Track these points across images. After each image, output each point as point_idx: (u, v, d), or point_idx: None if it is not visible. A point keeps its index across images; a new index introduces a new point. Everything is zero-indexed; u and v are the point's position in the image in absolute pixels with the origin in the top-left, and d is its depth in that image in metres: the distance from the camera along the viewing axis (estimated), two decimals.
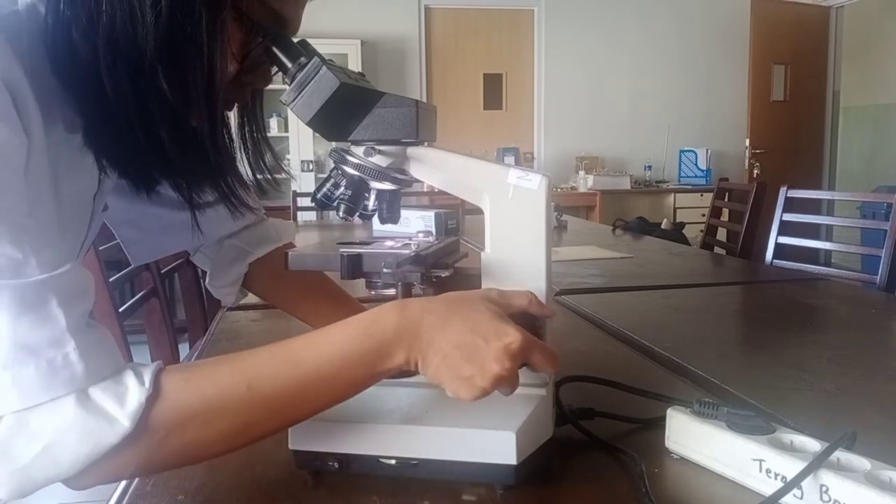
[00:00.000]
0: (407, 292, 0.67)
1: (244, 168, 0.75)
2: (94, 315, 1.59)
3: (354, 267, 0.65)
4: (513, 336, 0.57)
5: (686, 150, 5.94)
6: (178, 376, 0.53)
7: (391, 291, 0.68)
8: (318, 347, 0.57)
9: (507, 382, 0.58)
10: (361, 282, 0.70)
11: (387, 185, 0.67)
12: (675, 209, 5.58)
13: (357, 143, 0.66)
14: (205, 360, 0.58)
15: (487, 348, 0.56)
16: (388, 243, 0.71)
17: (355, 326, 0.58)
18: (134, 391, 0.50)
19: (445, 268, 0.64)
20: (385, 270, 0.63)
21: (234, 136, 0.74)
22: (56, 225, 0.63)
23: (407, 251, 0.66)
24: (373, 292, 1.41)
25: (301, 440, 0.64)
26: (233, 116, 0.73)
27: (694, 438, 0.67)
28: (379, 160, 0.66)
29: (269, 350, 0.57)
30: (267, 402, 0.55)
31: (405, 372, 0.58)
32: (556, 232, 2.66)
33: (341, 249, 0.67)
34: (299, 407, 0.57)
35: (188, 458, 0.55)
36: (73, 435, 0.48)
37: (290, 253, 0.70)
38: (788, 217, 2.26)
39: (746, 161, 5.65)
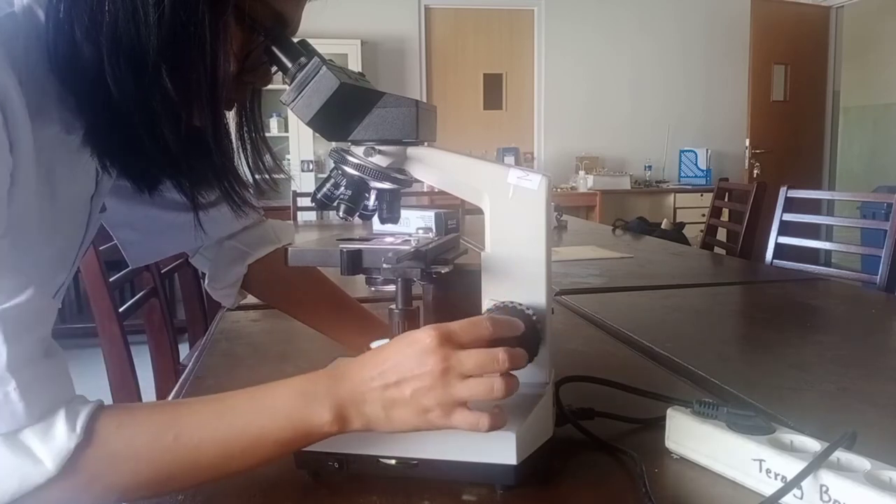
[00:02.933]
0: (407, 288, 0.67)
1: (243, 168, 0.75)
2: (95, 315, 1.59)
3: (354, 262, 0.65)
4: (422, 332, 0.55)
5: (686, 150, 5.94)
6: (111, 420, 0.54)
7: (391, 288, 0.68)
8: (249, 403, 0.57)
9: (456, 376, 0.54)
10: (362, 280, 0.70)
11: (387, 185, 0.67)
12: (675, 209, 5.58)
13: (357, 143, 0.66)
14: (142, 405, 0.59)
15: (408, 361, 0.55)
16: (388, 240, 0.71)
17: (289, 386, 0.58)
18: (63, 436, 0.51)
19: (445, 264, 0.64)
20: (385, 266, 0.63)
21: (233, 136, 0.74)
22: (44, 234, 0.63)
23: (407, 247, 0.66)
24: (373, 289, 1.41)
25: None
26: (231, 117, 0.73)
27: (694, 438, 0.67)
28: (379, 160, 0.66)
29: (203, 402, 0.57)
30: (193, 456, 0.55)
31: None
32: (556, 232, 2.66)
33: (341, 245, 0.67)
34: (225, 463, 0.56)
35: (115, 501, 0.56)
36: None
37: (289, 249, 0.70)
38: (788, 217, 2.26)
39: (746, 161, 5.64)
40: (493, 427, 0.56)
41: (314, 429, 0.57)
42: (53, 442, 0.51)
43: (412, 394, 0.55)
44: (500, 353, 0.56)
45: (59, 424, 0.51)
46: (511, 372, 0.57)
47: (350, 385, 0.57)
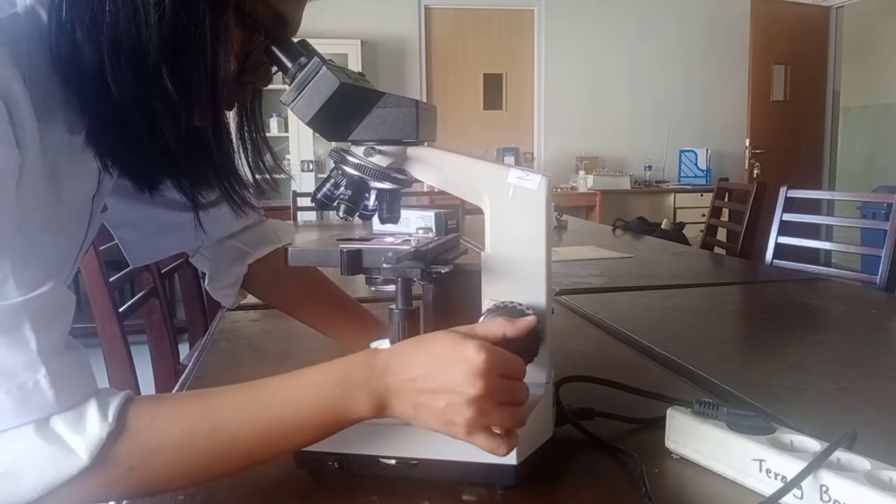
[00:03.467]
0: (407, 288, 0.67)
1: (243, 168, 0.75)
2: (95, 315, 1.59)
3: (354, 262, 0.65)
4: (475, 352, 0.55)
5: (686, 150, 5.94)
6: (143, 411, 0.54)
7: (391, 287, 0.68)
8: (287, 391, 0.57)
9: (491, 403, 0.55)
10: (362, 280, 0.70)
11: (387, 185, 0.67)
12: (675, 209, 5.58)
13: (357, 143, 0.66)
14: (173, 395, 0.59)
15: (452, 376, 0.55)
16: (388, 240, 0.71)
17: (325, 374, 0.58)
18: (95, 425, 0.51)
19: (445, 264, 0.64)
20: (385, 266, 0.63)
21: (234, 136, 0.74)
22: (49, 233, 0.63)
23: (407, 247, 0.66)
24: (373, 289, 1.42)
25: None
26: (232, 117, 0.73)
27: (694, 438, 0.67)
28: (379, 160, 0.66)
29: (237, 390, 0.57)
30: (231, 444, 0.55)
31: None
32: (556, 232, 2.66)
33: (341, 245, 0.67)
34: (264, 450, 0.57)
35: (150, 492, 0.56)
36: (32, 462, 0.49)
37: (289, 249, 0.70)
38: (788, 217, 2.26)
39: (746, 161, 5.64)
40: (510, 451, 0.57)
41: (353, 416, 0.58)
42: (85, 431, 0.50)
43: (445, 406, 0.55)
44: (526, 387, 0.58)
45: (91, 413, 0.51)
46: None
47: (393, 380, 0.57)
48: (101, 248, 1.53)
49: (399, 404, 0.57)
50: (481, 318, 0.65)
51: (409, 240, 0.71)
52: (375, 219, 0.71)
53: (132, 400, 0.54)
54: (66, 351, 0.53)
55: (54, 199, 0.63)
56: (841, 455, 0.58)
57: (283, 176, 0.86)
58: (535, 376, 0.66)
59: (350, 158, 0.66)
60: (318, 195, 0.69)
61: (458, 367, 0.55)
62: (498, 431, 0.57)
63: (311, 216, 3.63)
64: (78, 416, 0.51)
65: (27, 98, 0.55)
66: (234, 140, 0.74)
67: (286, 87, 0.65)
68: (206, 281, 0.99)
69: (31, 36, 0.58)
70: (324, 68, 0.63)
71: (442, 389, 0.55)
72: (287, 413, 0.56)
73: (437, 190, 1.17)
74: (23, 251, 0.53)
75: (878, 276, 1.93)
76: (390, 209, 0.70)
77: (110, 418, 0.51)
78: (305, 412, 0.57)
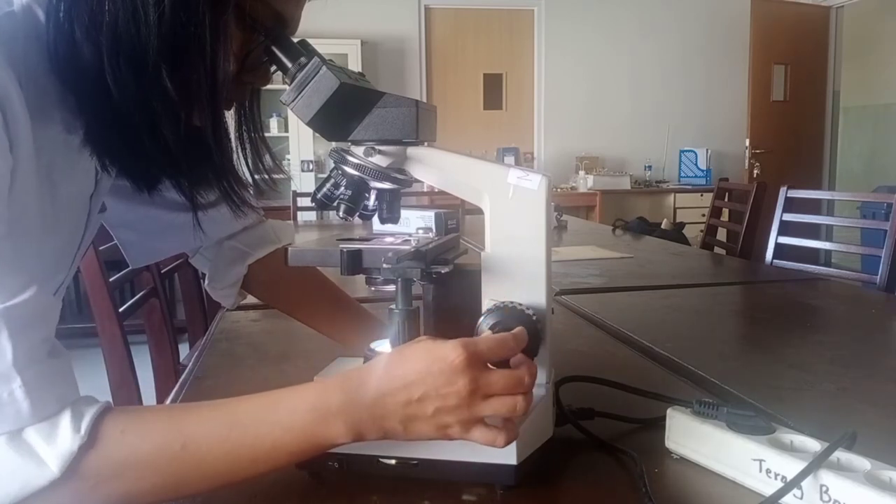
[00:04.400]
0: (407, 288, 0.67)
1: (243, 169, 0.75)
2: (95, 315, 1.58)
3: (354, 262, 0.65)
4: (451, 350, 0.54)
5: (686, 150, 5.94)
6: (116, 425, 0.53)
7: (391, 288, 0.68)
8: (261, 414, 0.56)
9: (479, 397, 0.54)
10: (362, 280, 0.70)
11: (387, 185, 0.67)
12: (675, 209, 5.58)
13: (357, 143, 0.66)
14: (149, 409, 0.59)
15: (434, 380, 0.54)
16: (388, 240, 0.71)
17: (301, 398, 0.57)
18: (67, 438, 0.50)
19: (445, 264, 0.64)
20: (385, 266, 0.63)
21: (232, 136, 0.74)
22: (44, 233, 0.63)
23: (407, 247, 0.66)
24: (373, 289, 1.42)
25: None
26: (230, 117, 0.73)
27: (694, 438, 0.67)
28: (379, 160, 0.66)
29: (210, 409, 0.57)
30: (200, 465, 0.55)
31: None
32: (556, 232, 2.66)
33: (341, 245, 0.67)
34: (234, 472, 0.56)
35: None
36: (3, 473, 0.49)
37: (289, 249, 0.70)
38: (788, 217, 2.26)
39: (746, 161, 5.64)
40: (509, 442, 0.56)
41: (329, 442, 0.56)
42: (57, 442, 0.50)
43: (435, 411, 0.54)
44: (526, 377, 0.56)
45: (64, 425, 0.51)
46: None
47: (369, 400, 0.55)
48: (101, 248, 1.53)
49: (387, 423, 0.55)
50: (481, 318, 0.65)
51: (409, 240, 0.71)
52: (375, 219, 0.71)
53: (108, 411, 0.54)
54: (46, 359, 0.53)
55: (49, 200, 0.63)
56: (841, 455, 0.58)
57: (282, 176, 0.86)
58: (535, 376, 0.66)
59: (350, 158, 0.66)
60: (318, 195, 0.69)
61: (437, 369, 0.54)
62: (496, 424, 0.56)
63: (311, 216, 3.63)
64: (51, 427, 0.50)
65: (21, 98, 0.55)
66: (233, 140, 0.74)
67: (286, 87, 0.65)
68: (206, 281, 0.99)
69: (28, 35, 0.58)
70: (324, 68, 0.63)
71: (426, 396, 0.54)
72: (261, 437, 0.55)
73: (437, 190, 1.17)
74: (7, 257, 0.52)
75: (878, 276, 1.93)
76: (390, 209, 0.70)
77: (83, 430, 0.51)
78: (281, 437, 0.56)
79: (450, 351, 0.54)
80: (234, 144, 0.74)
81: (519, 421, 0.58)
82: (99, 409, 0.53)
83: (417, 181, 0.71)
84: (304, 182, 4.96)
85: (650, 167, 5.86)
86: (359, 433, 0.56)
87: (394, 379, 0.55)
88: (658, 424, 0.71)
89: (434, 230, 0.77)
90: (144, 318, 1.85)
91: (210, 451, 0.54)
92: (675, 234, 3.42)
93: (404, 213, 1.42)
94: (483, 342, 0.57)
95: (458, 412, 0.54)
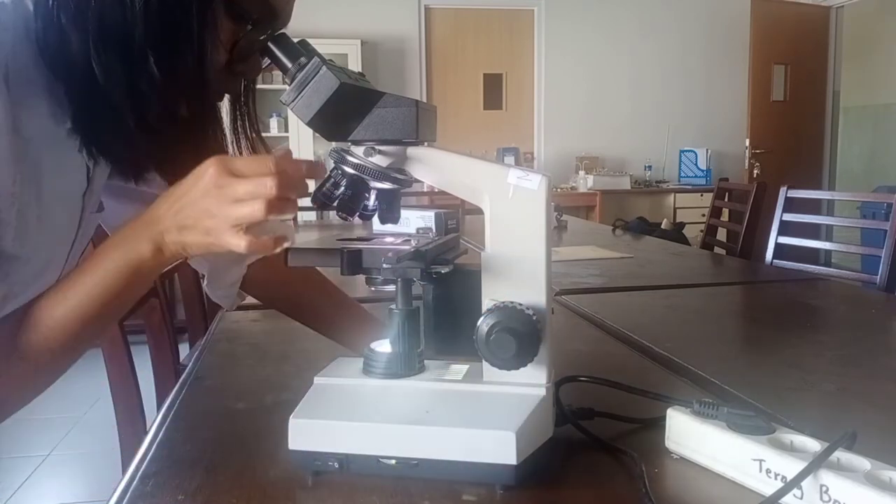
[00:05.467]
0: (407, 288, 0.67)
1: None
2: None
3: (354, 262, 0.65)
4: (205, 163, 0.59)
5: (686, 150, 5.94)
6: None
7: (391, 287, 0.68)
8: (83, 274, 0.62)
9: (227, 201, 0.58)
10: (362, 280, 0.70)
11: (387, 185, 0.67)
12: (675, 209, 5.58)
13: (357, 143, 0.66)
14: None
15: (188, 181, 0.59)
16: (388, 240, 0.71)
17: (108, 242, 0.63)
18: None
19: (445, 264, 0.64)
20: (385, 266, 0.63)
21: (228, 133, 0.74)
22: (26, 232, 0.63)
23: (407, 247, 0.66)
24: (373, 289, 1.41)
25: (301, 440, 0.64)
26: (225, 112, 0.73)
27: (694, 438, 0.67)
28: (379, 160, 0.66)
29: (46, 293, 0.63)
30: (60, 333, 0.62)
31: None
32: (556, 232, 2.66)
33: (341, 245, 0.67)
34: (93, 322, 0.63)
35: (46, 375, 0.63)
36: None
37: (289, 249, 0.70)
38: (788, 217, 2.26)
39: (746, 161, 5.64)
40: (249, 246, 0.60)
41: (138, 255, 0.61)
42: None
43: (196, 217, 0.59)
44: (269, 180, 0.58)
45: None
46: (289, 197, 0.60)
47: (151, 218, 0.61)
48: None
49: (169, 235, 0.60)
50: (481, 318, 0.65)
51: (409, 240, 0.71)
52: (375, 219, 0.71)
53: None
54: None
55: (35, 196, 0.63)
56: (841, 455, 0.58)
57: None
58: (535, 376, 0.66)
59: (350, 158, 0.66)
60: (318, 195, 0.69)
61: (191, 177, 0.59)
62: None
63: (311, 216, 3.63)
64: None
65: (4, 88, 0.55)
66: (229, 135, 0.74)
67: (286, 87, 0.65)
68: (205, 282, 0.99)
69: (16, 25, 0.58)
70: (324, 68, 0.63)
71: (182, 196, 0.59)
72: (91, 289, 0.61)
73: (437, 190, 1.17)
74: None
75: (878, 276, 1.93)
76: (390, 209, 0.70)
77: None
78: (104, 281, 0.61)
79: (203, 164, 0.59)
80: (229, 139, 0.74)
81: (264, 230, 0.61)
82: None
83: (417, 181, 0.71)
84: None
85: (650, 167, 5.86)
86: (159, 247, 0.61)
87: (170, 194, 0.61)
88: (658, 424, 0.71)
89: (434, 230, 0.77)
90: (144, 318, 1.85)
91: (63, 319, 0.61)
92: (675, 234, 3.42)
93: (404, 213, 1.42)
94: (238, 159, 0.61)
95: (213, 215, 0.58)
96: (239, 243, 0.59)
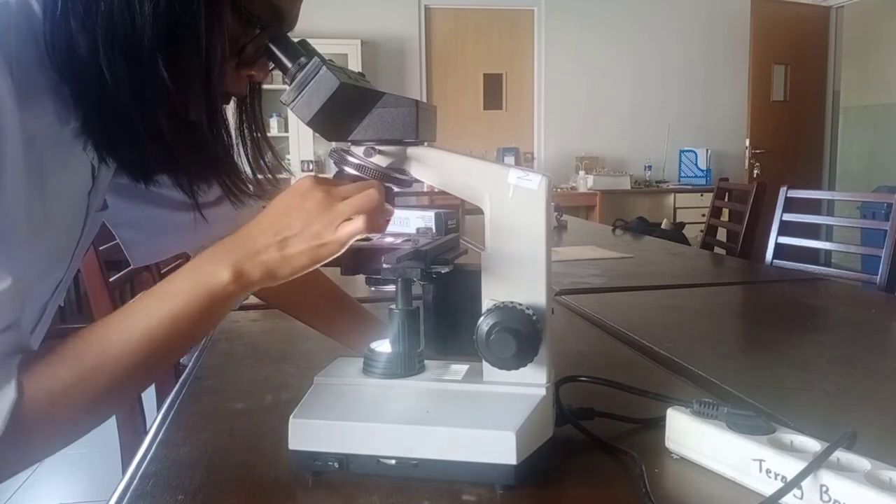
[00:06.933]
0: (407, 288, 0.67)
1: (244, 167, 0.75)
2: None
3: (354, 262, 0.65)
4: (302, 180, 0.60)
5: (686, 150, 5.94)
6: (32, 371, 0.55)
7: (391, 287, 0.68)
8: (153, 297, 0.59)
9: (336, 200, 0.59)
10: (362, 280, 0.70)
11: (387, 185, 0.67)
12: (675, 209, 5.59)
13: (357, 143, 0.66)
14: (55, 343, 0.60)
15: (292, 200, 0.59)
16: (388, 239, 0.72)
17: (186, 267, 0.60)
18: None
19: (445, 264, 0.64)
20: (385, 266, 0.63)
21: (234, 134, 0.74)
22: (33, 229, 0.63)
23: (407, 247, 0.66)
24: (373, 288, 1.41)
25: (301, 440, 0.64)
26: (231, 114, 0.73)
27: (694, 438, 0.67)
28: (379, 160, 0.66)
29: (110, 315, 0.60)
30: (119, 365, 0.57)
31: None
32: (556, 232, 2.66)
33: None
34: (154, 356, 0.58)
35: (65, 436, 0.57)
36: None
37: None
38: (788, 217, 2.26)
39: (746, 161, 5.65)
40: (376, 223, 0.60)
41: (218, 292, 0.59)
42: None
43: (302, 225, 0.59)
44: (373, 190, 0.60)
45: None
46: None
47: (241, 240, 0.60)
48: (101, 248, 1.53)
49: (265, 256, 0.59)
50: (481, 318, 0.65)
51: (409, 240, 0.71)
52: None
53: (22, 364, 0.55)
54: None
55: (39, 194, 0.63)
56: (841, 455, 0.58)
57: (284, 175, 0.86)
58: (535, 376, 0.66)
59: (350, 158, 0.66)
60: None
61: (292, 193, 0.60)
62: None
63: None
64: None
65: (10, 89, 0.55)
66: (234, 136, 0.74)
67: (286, 87, 0.65)
68: None
69: (21, 26, 0.58)
70: (324, 68, 0.63)
71: (288, 212, 0.59)
72: (160, 317, 0.58)
73: (437, 190, 1.17)
74: None
75: (878, 276, 1.93)
76: None
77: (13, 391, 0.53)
78: (174, 308, 0.58)
79: (300, 181, 0.60)
80: (234, 141, 0.74)
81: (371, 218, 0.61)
82: (18, 364, 0.55)
83: (417, 181, 0.71)
84: None
85: (650, 167, 5.86)
86: (241, 274, 0.59)
87: (260, 220, 0.61)
88: (658, 424, 0.71)
89: (434, 230, 0.77)
90: None
91: (123, 351, 0.57)
92: (675, 234, 3.42)
93: (404, 213, 1.42)
94: (329, 180, 0.62)
95: (321, 218, 0.58)
96: (360, 227, 0.60)
